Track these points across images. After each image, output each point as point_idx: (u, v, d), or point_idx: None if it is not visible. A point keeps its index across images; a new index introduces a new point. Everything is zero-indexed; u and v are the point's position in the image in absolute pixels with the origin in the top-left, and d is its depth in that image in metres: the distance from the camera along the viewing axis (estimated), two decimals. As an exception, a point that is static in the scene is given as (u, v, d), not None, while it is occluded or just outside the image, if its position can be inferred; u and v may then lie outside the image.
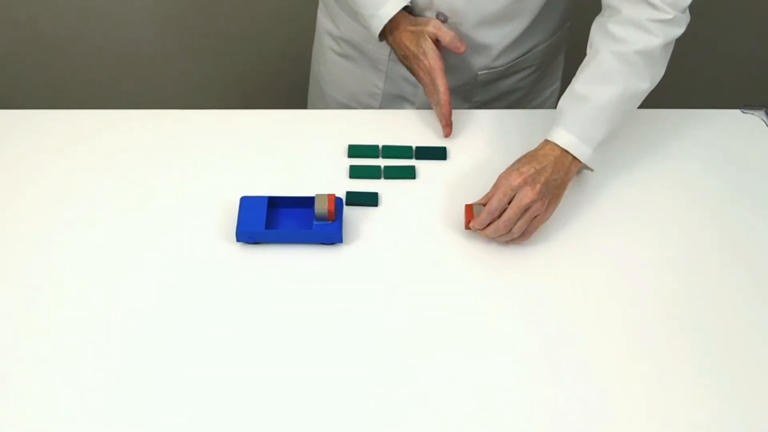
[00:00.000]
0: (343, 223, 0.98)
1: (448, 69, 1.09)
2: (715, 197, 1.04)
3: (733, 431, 0.83)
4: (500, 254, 0.97)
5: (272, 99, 1.89)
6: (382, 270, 0.95)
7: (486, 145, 1.10)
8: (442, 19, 1.09)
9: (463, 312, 0.91)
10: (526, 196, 0.94)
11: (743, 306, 0.93)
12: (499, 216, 0.95)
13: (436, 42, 1.07)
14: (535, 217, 0.95)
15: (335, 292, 0.93)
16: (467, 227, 0.97)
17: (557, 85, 1.31)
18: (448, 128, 1.09)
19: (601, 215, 1.01)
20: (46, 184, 1.03)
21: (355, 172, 1.05)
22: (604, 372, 0.86)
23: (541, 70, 1.23)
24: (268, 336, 0.88)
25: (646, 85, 1.00)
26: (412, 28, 1.08)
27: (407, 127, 1.12)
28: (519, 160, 0.98)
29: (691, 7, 1.00)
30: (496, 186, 0.97)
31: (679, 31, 1.00)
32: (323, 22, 1.27)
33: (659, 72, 1.01)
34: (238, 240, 0.96)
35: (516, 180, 0.95)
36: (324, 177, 1.04)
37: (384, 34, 1.10)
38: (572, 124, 0.98)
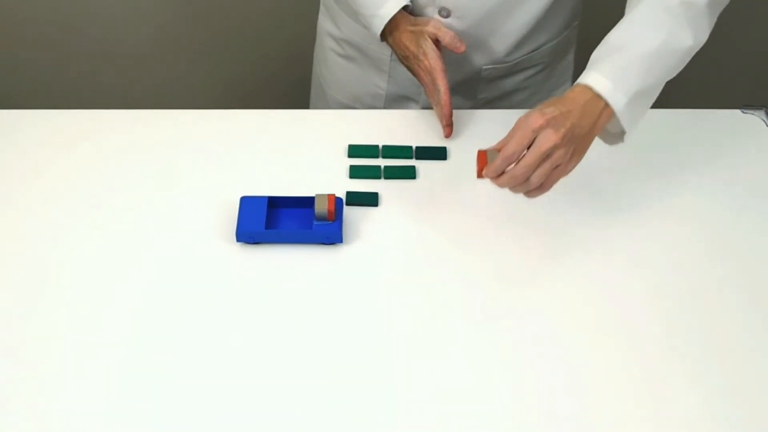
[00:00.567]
0: (343, 223, 0.98)
1: (452, 64, 1.09)
2: (714, 197, 1.04)
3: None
4: (500, 254, 0.97)
5: (272, 99, 1.89)
6: (382, 270, 0.95)
7: (487, 145, 1.09)
8: (445, 14, 1.09)
9: (463, 312, 0.91)
10: (548, 140, 0.84)
11: (743, 305, 0.93)
12: (517, 163, 0.86)
13: (436, 42, 1.07)
14: (557, 167, 0.86)
15: (335, 292, 0.93)
16: (479, 176, 0.88)
17: (567, 86, 1.29)
18: (448, 128, 1.09)
19: (599, 215, 1.01)
20: (45, 184, 1.03)
21: (355, 172, 1.05)
22: (599, 374, 0.86)
23: (549, 69, 1.22)
24: (269, 336, 0.88)
25: (689, 41, 0.91)
26: (411, 28, 1.08)
27: (407, 127, 1.12)
28: (543, 103, 0.89)
29: None
30: (514, 128, 0.87)
31: None
32: (324, 23, 1.27)
33: (703, 33, 0.93)
34: (238, 240, 0.96)
35: (537, 121, 0.85)
36: (324, 177, 1.04)
37: (384, 35, 1.10)
38: (606, 68, 0.89)
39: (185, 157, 1.07)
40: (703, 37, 0.94)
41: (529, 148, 0.86)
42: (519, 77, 1.20)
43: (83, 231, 0.98)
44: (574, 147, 0.87)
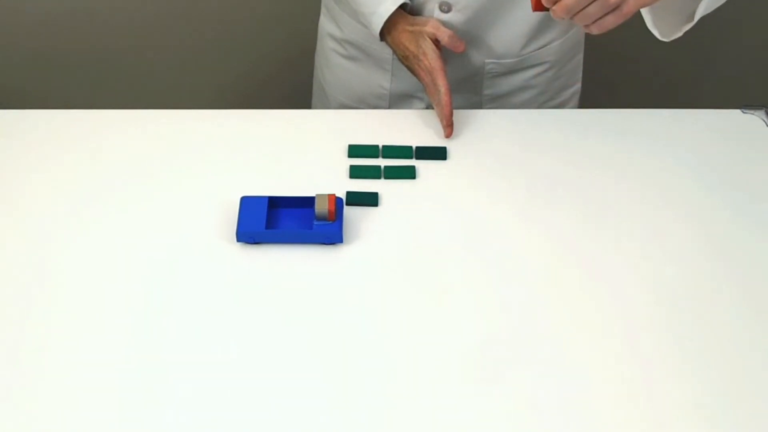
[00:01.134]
0: (343, 223, 0.98)
1: (455, 58, 1.09)
2: (714, 197, 1.04)
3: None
4: (500, 254, 0.97)
5: (273, 99, 1.89)
6: (382, 270, 0.95)
7: (487, 145, 1.10)
8: (446, 9, 1.09)
9: (463, 312, 0.91)
10: None
11: (743, 305, 0.93)
12: None
13: (436, 42, 1.07)
14: (615, 9, 0.86)
15: (335, 292, 0.93)
16: (535, 9, 0.89)
17: (577, 87, 1.29)
18: (449, 128, 1.09)
19: (599, 215, 1.01)
20: (45, 184, 1.03)
21: (355, 172, 1.05)
22: (599, 373, 0.86)
23: (556, 68, 1.21)
24: (269, 336, 0.88)
25: None
26: (410, 28, 1.08)
27: (407, 127, 1.12)
28: None
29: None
30: None
31: None
32: (325, 25, 1.27)
33: None
34: (238, 240, 0.96)
35: None
36: (324, 177, 1.04)
37: (383, 35, 1.10)
38: None
39: (185, 157, 1.07)
40: None
41: None
42: (525, 75, 1.19)
43: (82, 231, 0.98)
44: None
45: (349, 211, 1.00)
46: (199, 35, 1.85)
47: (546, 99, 1.24)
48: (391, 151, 1.08)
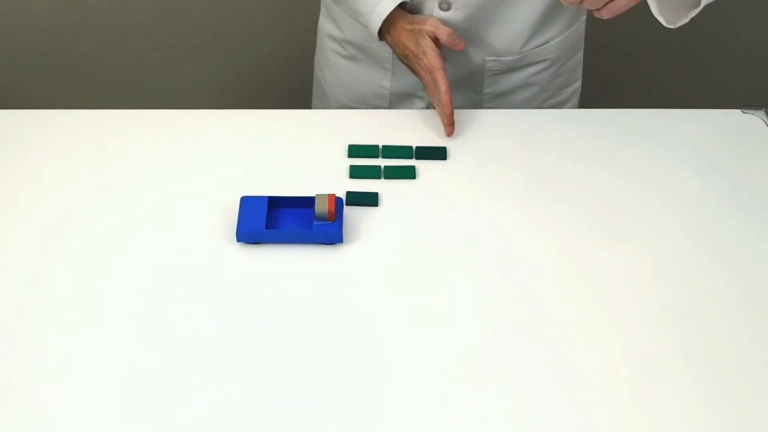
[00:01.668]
0: (343, 223, 0.98)
1: (455, 56, 1.08)
2: (714, 197, 1.04)
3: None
4: (500, 255, 0.97)
5: (273, 100, 1.89)
6: (382, 270, 0.95)
7: (487, 145, 1.10)
8: (446, 7, 1.09)
9: (463, 312, 0.91)
10: None
11: (743, 305, 0.93)
12: None
13: (436, 41, 1.07)
14: None
15: (335, 292, 0.93)
16: None
17: (577, 85, 1.29)
18: (450, 127, 1.08)
19: (599, 215, 1.01)
20: (45, 184, 1.03)
21: (355, 172, 1.05)
22: (599, 373, 0.86)
23: (556, 66, 1.22)
24: (268, 336, 0.88)
25: None
26: (409, 27, 1.08)
27: (407, 127, 1.12)
28: None
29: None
30: None
31: None
32: (325, 26, 1.27)
33: None
34: (238, 240, 0.96)
35: None
36: (324, 177, 1.04)
37: (382, 34, 1.10)
38: None
39: (185, 157, 1.07)
40: None
41: None
42: (525, 72, 1.19)
43: (82, 230, 0.98)
44: None
45: (349, 211, 1.00)
46: (199, 35, 1.85)
47: (546, 97, 1.24)
48: (391, 151, 1.08)
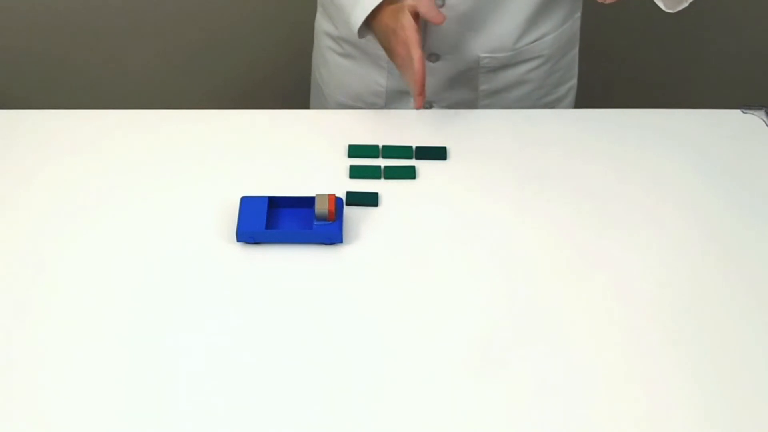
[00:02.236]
0: (343, 223, 0.98)
1: (451, 53, 1.07)
2: (714, 198, 1.04)
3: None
4: (500, 255, 0.97)
5: (272, 99, 1.89)
6: (382, 270, 0.95)
7: (487, 145, 1.10)
8: (440, 3, 1.09)
9: (463, 311, 0.91)
10: None
11: (744, 304, 0.93)
12: None
13: (416, 18, 1.04)
14: None
15: (335, 292, 0.93)
16: None
17: (573, 82, 1.29)
18: (420, 97, 1.03)
19: (600, 215, 1.01)
20: (45, 184, 1.03)
21: (355, 172, 1.05)
22: (600, 373, 0.86)
23: (552, 63, 1.22)
24: (268, 336, 0.88)
25: None
26: (392, 7, 1.05)
27: (407, 127, 1.12)
28: None
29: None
30: None
31: None
32: (322, 24, 1.27)
33: None
34: (238, 240, 0.96)
35: None
36: (324, 177, 1.04)
37: (370, 28, 1.08)
38: None
39: (185, 157, 1.07)
40: None
41: None
42: (521, 69, 1.20)
43: (82, 231, 0.98)
44: None
45: (349, 211, 1.01)
46: (198, 35, 1.85)
47: (542, 94, 1.24)
48: (391, 151, 1.08)
